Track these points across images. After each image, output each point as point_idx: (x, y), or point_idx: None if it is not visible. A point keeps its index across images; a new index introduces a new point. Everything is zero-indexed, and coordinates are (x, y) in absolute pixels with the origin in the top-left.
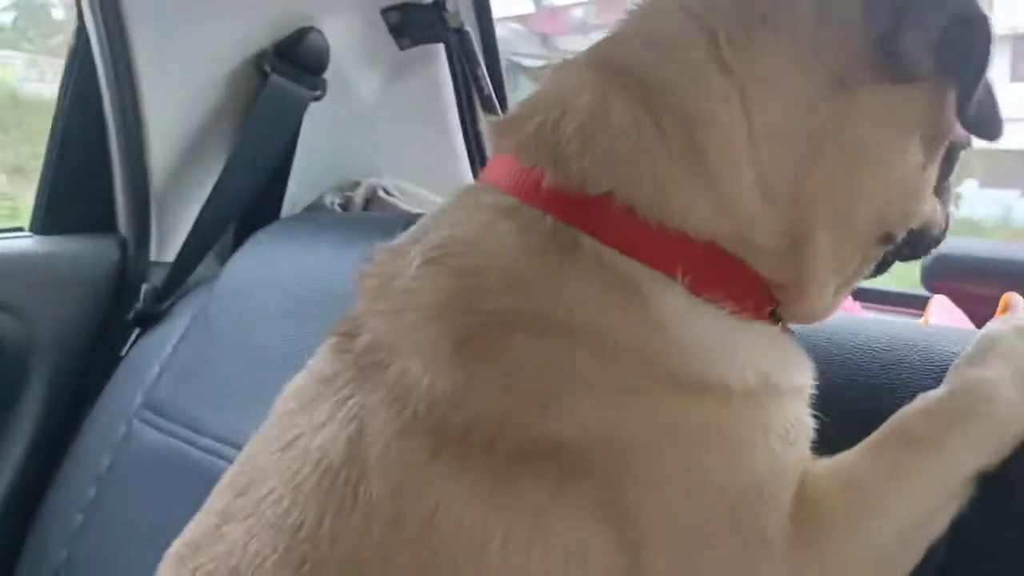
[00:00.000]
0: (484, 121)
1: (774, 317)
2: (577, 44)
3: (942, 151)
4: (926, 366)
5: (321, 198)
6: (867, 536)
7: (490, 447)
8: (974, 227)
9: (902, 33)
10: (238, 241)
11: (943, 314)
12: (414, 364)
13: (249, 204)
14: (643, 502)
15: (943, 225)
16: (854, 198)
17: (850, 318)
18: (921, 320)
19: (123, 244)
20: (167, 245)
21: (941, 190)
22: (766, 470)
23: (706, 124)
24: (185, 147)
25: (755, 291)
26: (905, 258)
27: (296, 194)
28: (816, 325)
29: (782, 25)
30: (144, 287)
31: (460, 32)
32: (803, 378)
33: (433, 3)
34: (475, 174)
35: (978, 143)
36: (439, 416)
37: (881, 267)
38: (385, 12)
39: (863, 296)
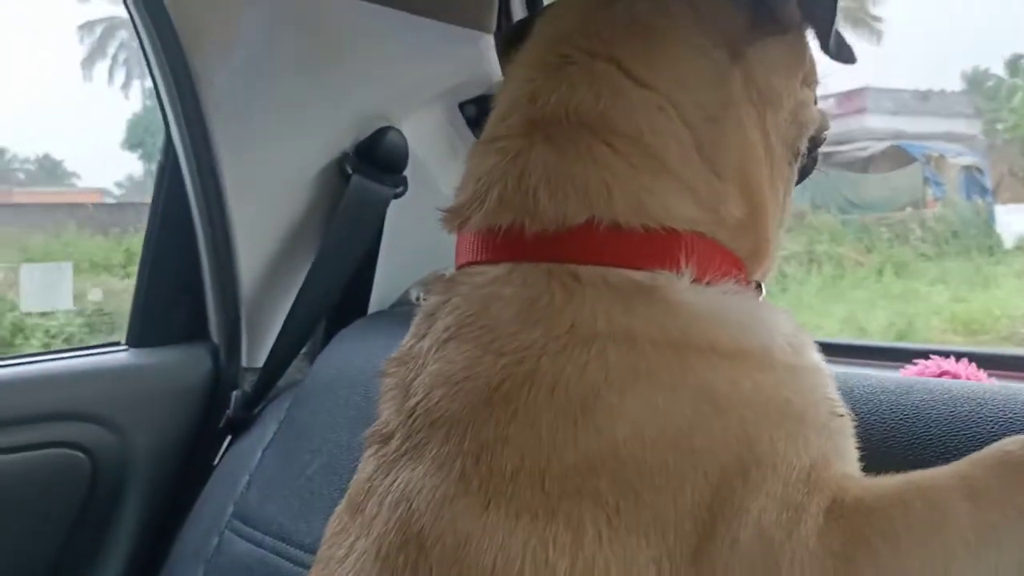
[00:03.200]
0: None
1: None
2: None
3: (815, 76)
4: None
5: (407, 293)
6: (936, 559)
7: (539, 484)
8: None
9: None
10: (327, 340)
11: None
12: (454, 426)
13: (335, 304)
14: (702, 490)
15: (828, 126)
16: (772, 140)
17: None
18: None
19: (215, 352)
20: (258, 350)
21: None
22: (817, 451)
23: (653, 132)
24: (272, 252)
25: (740, 268)
26: (809, 168)
27: (382, 290)
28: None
29: (667, 27)
30: (235, 394)
31: None
32: (819, 358)
33: None
34: None
35: None
36: (485, 468)
37: (798, 179)
38: (462, 106)
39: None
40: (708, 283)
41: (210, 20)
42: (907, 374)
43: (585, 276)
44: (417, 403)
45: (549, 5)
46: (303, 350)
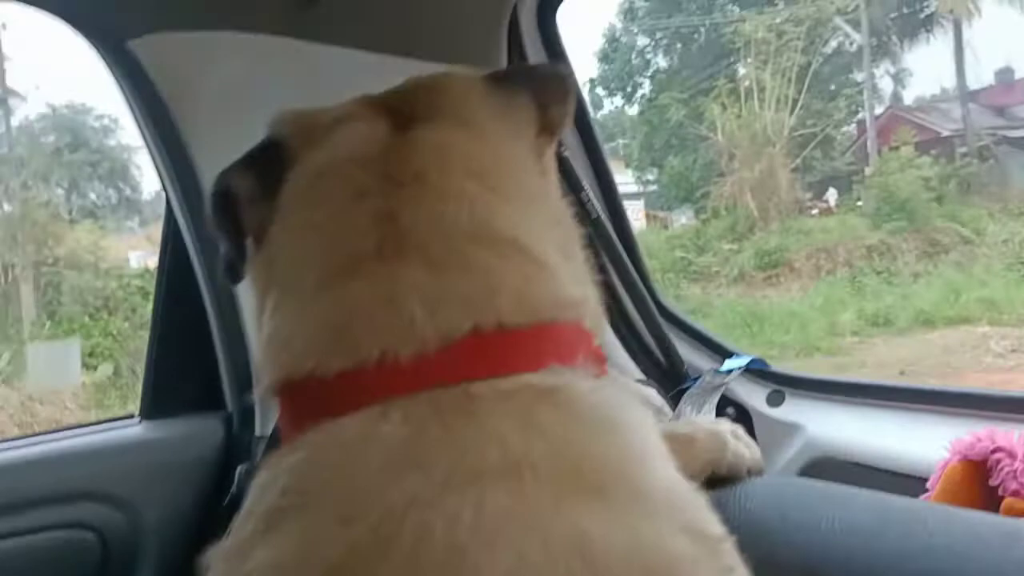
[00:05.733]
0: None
1: None
2: None
3: None
4: None
5: None
6: None
7: None
8: None
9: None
10: None
11: None
12: None
13: None
14: None
15: None
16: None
17: None
18: None
19: (228, 421)
20: (271, 418)
21: None
22: None
23: (530, 232)
24: None
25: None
26: None
27: None
28: None
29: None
30: (239, 469)
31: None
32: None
33: None
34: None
35: None
36: None
37: None
38: None
39: None
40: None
41: (198, 83)
42: (954, 449)
43: (477, 392)
44: None
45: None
46: None
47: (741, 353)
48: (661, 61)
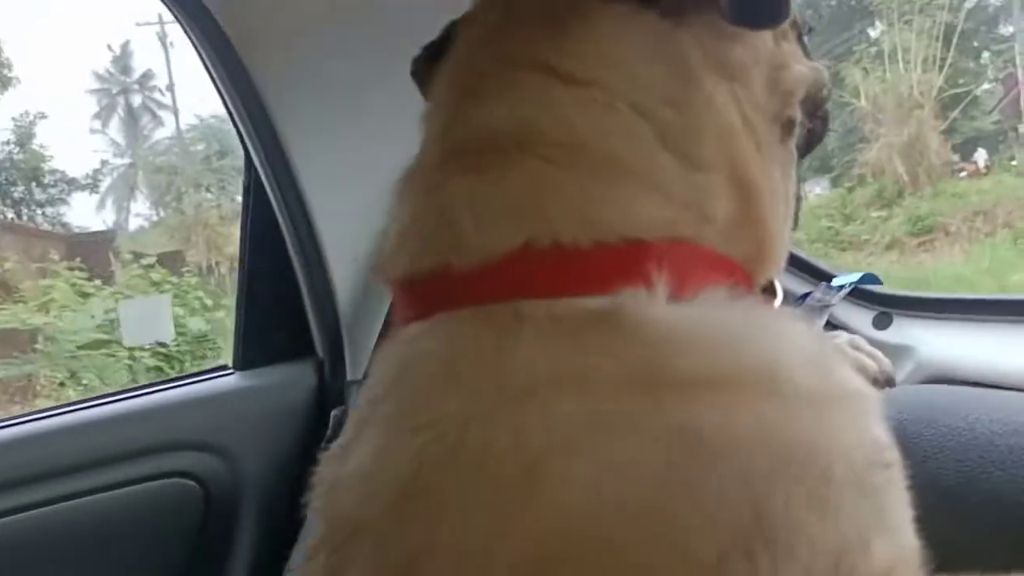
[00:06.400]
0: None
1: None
2: None
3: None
4: None
5: None
6: None
7: None
8: None
9: None
10: None
11: None
12: (377, 536)
13: None
14: None
15: (827, 81)
16: (751, 116)
17: None
18: None
19: (320, 367)
20: (361, 361)
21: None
22: (850, 523)
23: (597, 133)
24: (364, 262)
25: (738, 274)
26: (819, 135)
27: None
28: None
29: (588, 5)
30: (333, 413)
31: None
32: (858, 382)
33: None
34: None
35: None
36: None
37: (806, 150)
38: None
39: None
40: (693, 298)
41: (269, 33)
42: None
43: (528, 312)
44: (337, 509)
45: (468, 12)
46: None
47: (842, 274)
48: None
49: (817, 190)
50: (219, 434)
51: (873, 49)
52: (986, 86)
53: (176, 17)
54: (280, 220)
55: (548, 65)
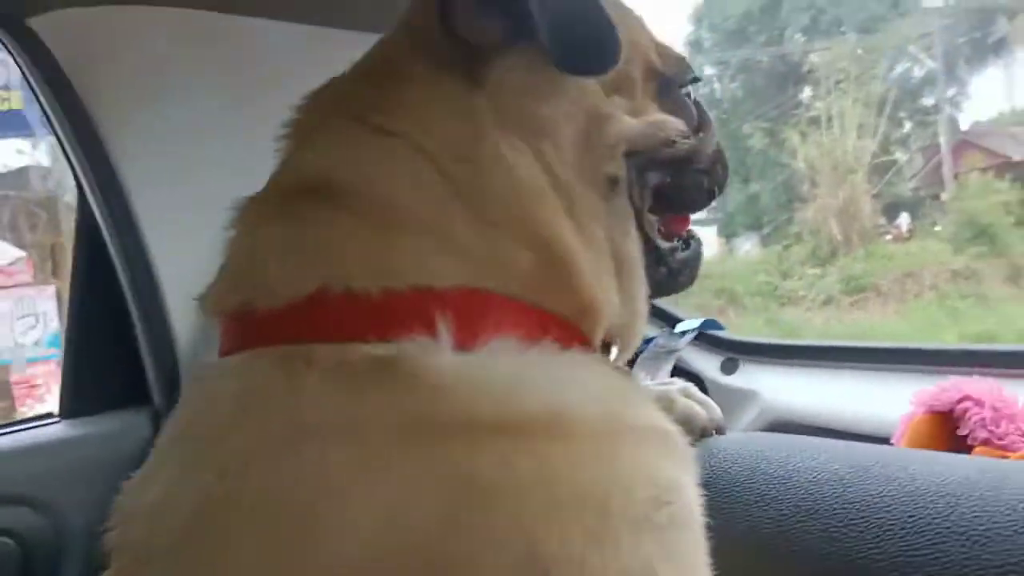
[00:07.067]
0: None
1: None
2: None
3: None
4: None
5: None
6: None
7: None
8: None
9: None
10: None
11: None
12: (162, 569)
13: None
14: None
15: (668, 133)
16: (559, 170)
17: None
18: None
19: (155, 416)
20: None
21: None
22: (633, 557)
23: (396, 185)
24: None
25: (562, 329)
26: (691, 189)
27: None
28: None
29: (394, 62)
30: None
31: None
32: (659, 422)
33: None
34: None
35: None
36: None
37: (681, 204)
38: None
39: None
40: (481, 346)
41: (111, 78)
42: (919, 401)
43: (319, 357)
44: (129, 538)
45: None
46: None
47: (689, 318)
48: (728, 91)
49: (747, 246)
50: (42, 488)
51: (810, 113)
52: (904, 156)
53: (12, 55)
54: (115, 261)
55: (361, 117)
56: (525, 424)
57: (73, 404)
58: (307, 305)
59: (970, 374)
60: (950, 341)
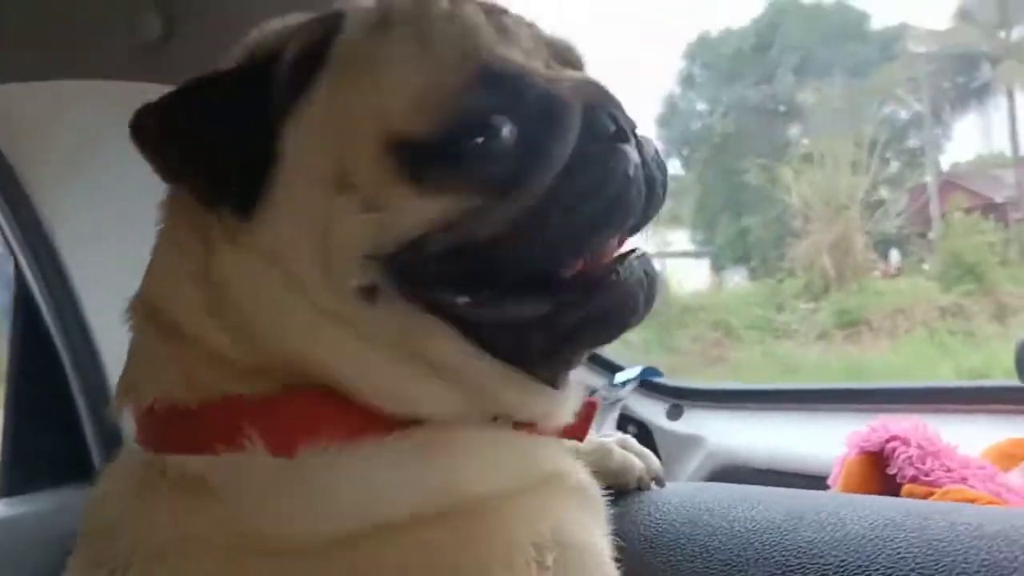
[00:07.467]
0: None
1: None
2: None
3: (350, 170)
4: None
5: None
6: None
7: None
8: None
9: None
10: None
11: None
12: None
13: None
14: None
15: (430, 223)
16: (295, 286)
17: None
18: None
19: None
20: None
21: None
22: None
23: (172, 300)
24: None
25: (372, 420)
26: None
27: None
28: None
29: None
30: None
31: None
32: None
33: None
34: None
35: None
36: None
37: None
38: None
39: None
40: (297, 452)
41: (44, 145)
42: (851, 443)
43: (168, 467)
44: None
45: None
46: None
47: (630, 366)
48: (719, 127)
49: (736, 278)
50: None
51: (801, 151)
52: (888, 194)
53: None
54: (53, 332)
55: (175, 241)
56: (337, 542)
57: (12, 481)
58: (148, 417)
59: (902, 411)
60: (945, 376)
